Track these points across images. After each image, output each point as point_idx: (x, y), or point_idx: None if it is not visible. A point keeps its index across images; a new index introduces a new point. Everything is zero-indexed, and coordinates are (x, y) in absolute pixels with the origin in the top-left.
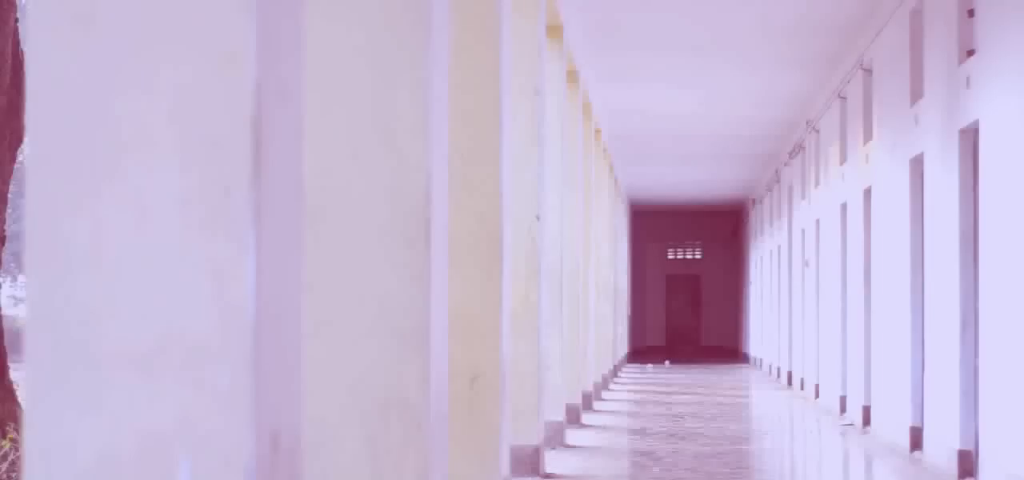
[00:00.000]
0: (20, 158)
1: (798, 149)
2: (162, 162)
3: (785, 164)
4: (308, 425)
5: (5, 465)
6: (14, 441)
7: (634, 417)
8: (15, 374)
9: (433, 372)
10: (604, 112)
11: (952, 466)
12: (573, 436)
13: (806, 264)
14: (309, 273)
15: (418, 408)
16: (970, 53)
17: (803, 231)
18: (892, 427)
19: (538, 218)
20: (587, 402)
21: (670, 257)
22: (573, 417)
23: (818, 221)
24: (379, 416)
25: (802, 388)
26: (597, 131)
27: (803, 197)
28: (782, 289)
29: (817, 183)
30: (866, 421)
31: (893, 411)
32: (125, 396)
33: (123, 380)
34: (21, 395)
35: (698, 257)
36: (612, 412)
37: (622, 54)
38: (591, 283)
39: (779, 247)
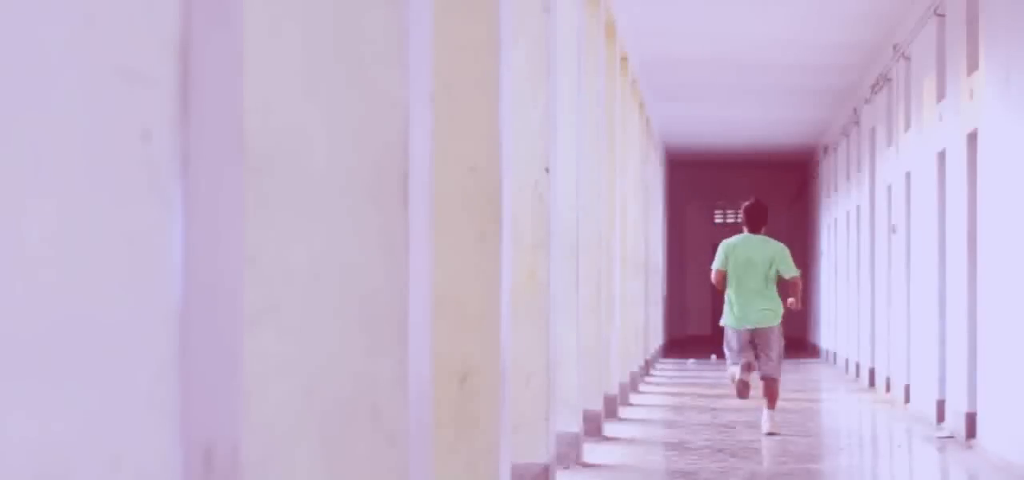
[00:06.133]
0: None
1: (883, 82)
2: (61, 98)
3: (866, 101)
4: (250, 436)
5: None
6: None
7: (671, 428)
8: None
9: (412, 369)
10: (633, 33)
11: None
12: (593, 452)
13: (893, 230)
14: (251, 241)
15: (392, 415)
16: None
17: (889, 188)
18: (1004, 440)
19: (547, 171)
20: (611, 408)
21: (718, 221)
22: (593, 428)
23: (908, 175)
24: (342, 425)
25: (888, 390)
26: (623, 58)
27: (889, 144)
28: (862, 263)
29: (907, 126)
30: (970, 433)
31: (1006, 420)
32: (11, 400)
33: (8, 380)
34: None
35: None
36: (643, 421)
37: None
38: (616, 255)
39: (858, 208)
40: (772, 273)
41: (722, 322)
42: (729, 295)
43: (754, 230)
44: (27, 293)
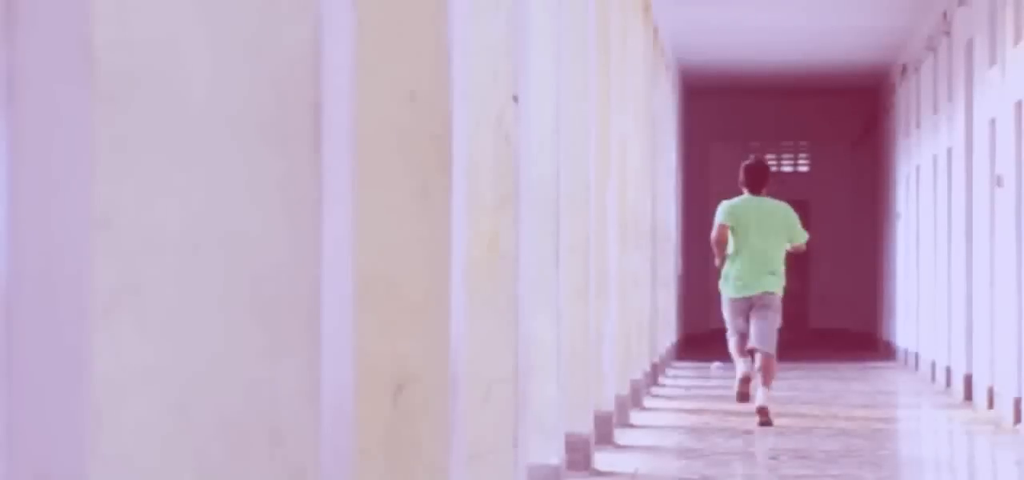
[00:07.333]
0: None
1: None
2: None
3: (960, 3)
4: (100, 468)
5: None
6: None
7: (689, 457)
8: None
9: (326, 377)
10: None
11: None
12: None
13: (999, 183)
14: (102, 198)
15: (298, 441)
16: None
17: (992, 123)
18: None
19: (516, 100)
20: (604, 430)
21: None
22: (578, 459)
23: (1020, 104)
24: (228, 454)
25: (991, 405)
26: None
27: (993, 62)
28: (955, 228)
29: (1018, 36)
30: None
31: None
32: None
33: None
34: None
35: (803, 169)
36: (649, 449)
37: None
38: (612, 217)
39: (949, 152)
40: (784, 237)
41: (721, 290)
42: (730, 263)
43: (755, 191)
44: None
